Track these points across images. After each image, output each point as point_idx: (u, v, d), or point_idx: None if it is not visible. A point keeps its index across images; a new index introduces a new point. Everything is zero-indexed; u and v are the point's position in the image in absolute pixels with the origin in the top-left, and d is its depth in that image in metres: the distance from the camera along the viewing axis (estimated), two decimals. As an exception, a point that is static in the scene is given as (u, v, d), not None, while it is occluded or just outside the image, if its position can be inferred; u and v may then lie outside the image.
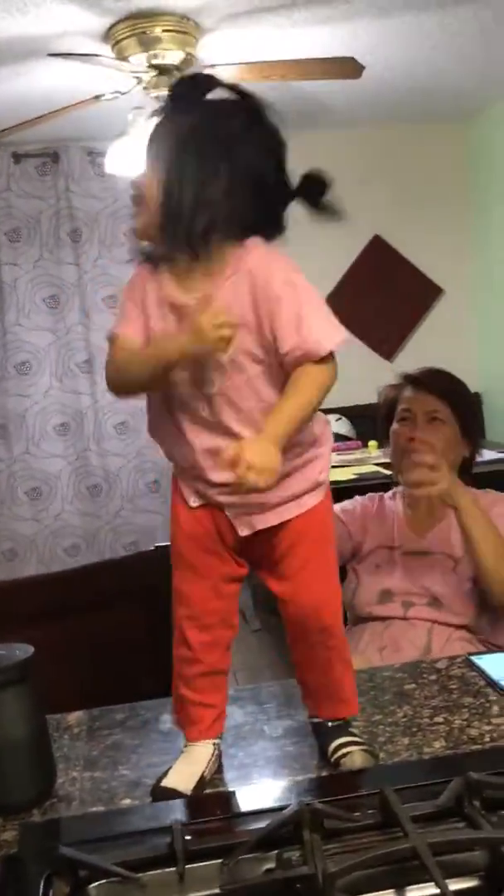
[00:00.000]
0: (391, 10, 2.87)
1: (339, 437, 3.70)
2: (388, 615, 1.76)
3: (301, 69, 2.75)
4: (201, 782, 1.12)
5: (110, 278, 4.24)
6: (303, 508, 1.13)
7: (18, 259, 4.18)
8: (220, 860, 0.92)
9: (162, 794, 1.10)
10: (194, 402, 1.08)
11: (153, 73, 2.81)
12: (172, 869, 0.90)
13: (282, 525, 1.13)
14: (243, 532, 1.13)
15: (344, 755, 1.13)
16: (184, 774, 1.12)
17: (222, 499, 1.11)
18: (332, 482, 3.24)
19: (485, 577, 1.66)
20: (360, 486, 2.70)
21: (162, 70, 2.81)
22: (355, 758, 1.13)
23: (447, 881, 0.87)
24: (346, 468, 3.28)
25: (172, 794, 1.09)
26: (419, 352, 4.47)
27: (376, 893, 0.89)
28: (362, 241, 4.41)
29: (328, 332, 1.03)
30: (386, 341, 4.48)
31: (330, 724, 1.18)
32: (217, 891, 0.88)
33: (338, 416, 3.92)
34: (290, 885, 0.89)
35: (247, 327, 1.03)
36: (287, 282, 1.05)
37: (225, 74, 2.83)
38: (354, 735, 1.17)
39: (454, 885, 0.90)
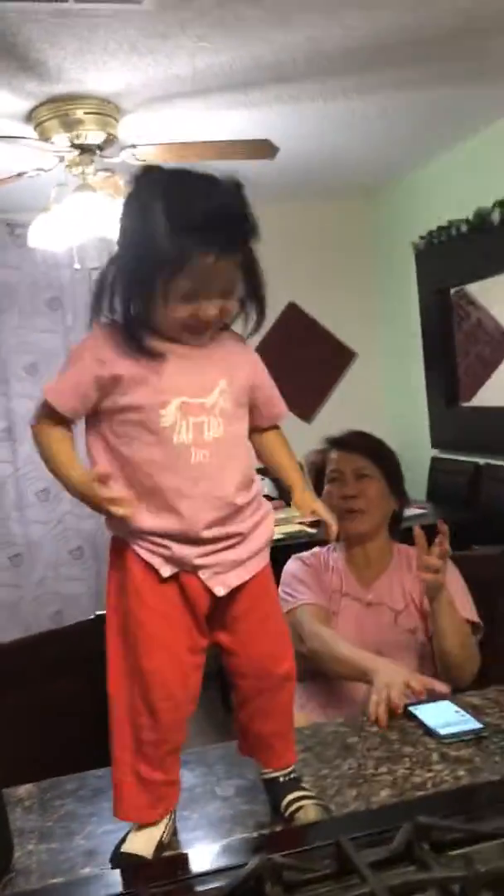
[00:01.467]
0: (301, 98, 3.06)
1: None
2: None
3: (218, 150, 2.89)
4: (160, 846, 1.14)
5: (29, 346, 4.26)
6: (263, 563, 1.19)
7: None
8: (187, 920, 0.94)
9: (123, 860, 1.11)
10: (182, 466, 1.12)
11: (75, 152, 2.91)
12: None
13: (246, 582, 1.17)
14: (219, 592, 1.14)
15: (297, 809, 1.18)
16: (143, 840, 1.13)
17: (200, 560, 1.13)
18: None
19: (448, 661, 1.76)
20: (289, 546, 2.75)
21: (84, 149, 2.91)
22: (308, 811, 1.17)
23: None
24: (278, 527, 3.34)
25: (133, 859, 1.11)
26: (336, 412, 4.62)
27: (339, 941, 0.93)
28: (278, 308, 4.57)
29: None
30: (304, 403, 4.62)
31: (282, 778, 1.22)
32: None
33: (261, 476, 3.99)
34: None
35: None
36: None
37: (144, 154, 2.96)
38: (306, 789, 1.21)
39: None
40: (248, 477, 1.17)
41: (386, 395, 4.73)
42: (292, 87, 2.93)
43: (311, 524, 1.25)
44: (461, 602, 1.78)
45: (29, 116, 2.90)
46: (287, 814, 1.18)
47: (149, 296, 1.08)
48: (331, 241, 4.64)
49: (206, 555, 1.13)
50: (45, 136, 2.91)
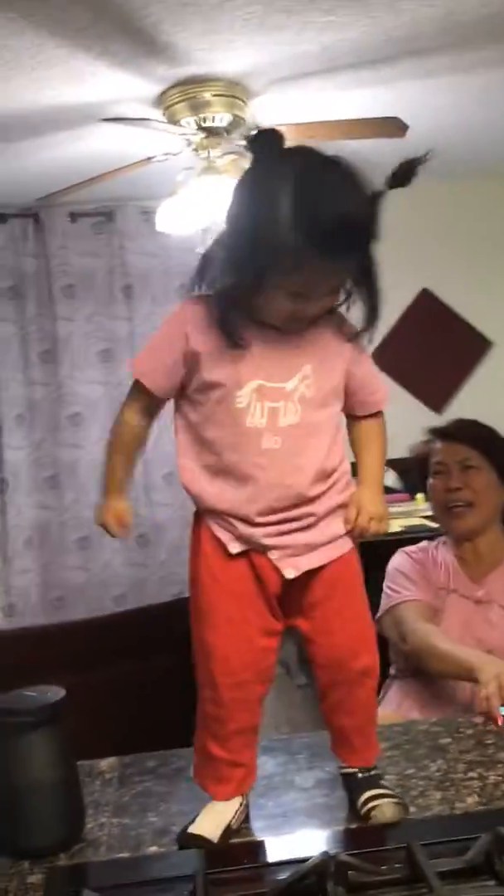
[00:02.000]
0: (436, 72, 2.93)
1: (386, 490, 3.68)
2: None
3: (345, 129, 2.82)
4: (228, 831, 1.11)
5: (161, 332, 4.33)
6: (341, 551, 1.15)
7: (73, 314, 4.29)
8: (241, 910, 0.91)
9: (188, 841, 1.09)
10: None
11: (202, 135, 2.91)
12: (193, 917, 0.89)
13: (321, 568, 1.13)
14: (289, 574, 1.12)
15: (373, 808, 1.12)
16: (211, 823, 1.11)
17: (269, 541, 1.11)
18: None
19: None
20: (406, 539, 2.66)
21: (211, 132, 2.91)
22: (385, 810, 1.11)
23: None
24: (392, 520, 3.25)
25: (199, 841, 1.09)
26: (469, 405, 4.44)
27: None
28: (410, 295, 4.44)
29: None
30: (435, 394, 4.46)
31: (360, 775, 1.17)
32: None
33: (385, 468, 3.90)
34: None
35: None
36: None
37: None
38: (385, 787, 1.16)
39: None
40: (328, 468, 1.13)
41: (526, 387, 4.51)
42: (425, 61, 2.81)
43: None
44: None
45: (158, 100, 2.92)
46: (363, 812, 1.13)
47: (254, 283, 1.04)
48: (468, 223, 4.44)
49: (275, 535, 1.11)
50: (173, 120, 2.92)
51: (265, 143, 1.07)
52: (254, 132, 1.10)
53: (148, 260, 4.33)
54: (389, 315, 4.57)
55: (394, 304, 4.48)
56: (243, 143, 1.12)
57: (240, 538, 1.11)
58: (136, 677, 1.56)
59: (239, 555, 1.11)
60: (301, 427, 1.10)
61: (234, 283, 1.05)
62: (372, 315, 1.13)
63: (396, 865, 0.97)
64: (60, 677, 1.51)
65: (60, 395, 4.31)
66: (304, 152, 1.07)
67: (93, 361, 4.33)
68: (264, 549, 1.11)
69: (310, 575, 1.13)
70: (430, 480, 1.83)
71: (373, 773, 1.18)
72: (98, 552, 4.39)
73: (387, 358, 4.51)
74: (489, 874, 0.95)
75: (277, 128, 1.10)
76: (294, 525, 1.11)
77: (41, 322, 4.29)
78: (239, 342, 1.07)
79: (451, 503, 1.76)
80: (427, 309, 4.44)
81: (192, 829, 1.11)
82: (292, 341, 1.11)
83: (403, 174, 1.08)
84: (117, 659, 1.60)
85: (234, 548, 1.11)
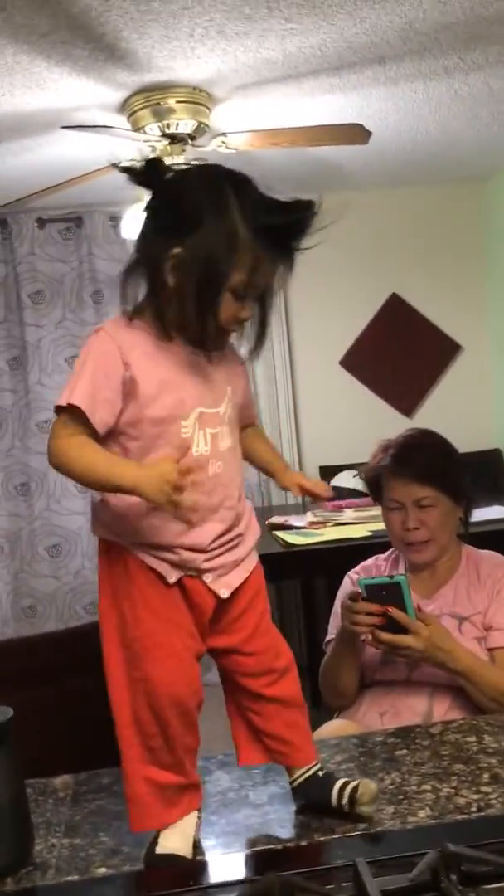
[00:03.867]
0: (398, 79, 2.94)
1: (355, 494, 3.69)
2: (391, 678, 1.73)
3: (309, 135, 2.82)
4: (196, 845, 1.11)
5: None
6: (254, 561, 1.19)
7: (41, 320, 4.27)
8: (184, 934, 0.90)
9: (160, 861, 1.07)
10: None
11: (166, 141, 2.90)
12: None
13: (244, 581, 1.16)
14: (224, 594, 1.14)
15: (355, 788, 1.13)
16: (177, 839, 1.10)
17: (207, 564, 1.11)
18: (347, 539, 3.16)
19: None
20: (374, 544, 2.66)
21: (174, 139, 2.90)
22: (365, 791, 1.12)
23: None
24: (360, 525, 3.25)
25: (172, 859, 1.07)
26: (438, 408, 4.46)
27: None
28: (380, 300, 4.45)
29: None
30: (405, 398, 4.48)
31: (321, 772, 1.18)
32: None
33: (354, 472, 3.90)
34: None
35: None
36: None
37: (235, 142, 2.93)
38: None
39: None
40: (243, 480, 1.18)
41: (495, 390, 4.53)
42: (387, 68, 2.82)
43: (310, 497, 1.26)
44: None
45: (122, 107, 2.91)
46: (345, 801, 1.13)
47: (214, 287, 1.04)
48: (436, 228, 4.46)
49: (212, 559, 1.12)
50: (137, 126, 2.91)
51: (154, 170, 1.10)
52: (134, 164, 1.10)
53: (117, 266, 4.30)
54: (359, 320, 4.59)
55: (363, 309, 4.50)
56: (137, 173, 1.10)
57: (177, 566, 1.09)
58: (89, 692, 1.54)
59: (173, 583, 1.09)
60: (233, 448, 1.14)
61: (201, 290, 1.04)
62: (263, 333, 1.14)
63: (344, 884, 0.97)
64: (8, 694, 1.50)
65: (29, 402, 4.28)
66: (215, 166, 1.11)
67: (62, 367, 4.31)
68: (199, 573, 1.11)
69: (234, 591, 1.14)
70: (386, 513, 1.82)
71: (327, 770, 1.19)
72: (69, 560, 4.36)
73: (356, 363, 4.53)
74: (435, 891, 0.95)
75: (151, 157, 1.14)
76: (228, 546, 1.13)
77: (9, 328, 4.27)
78: (179, 364, 1.07)
79: (409, 540, 1.77)
80: (396, 313, 4.45)
81: (161, 849, 1.08)
82: (214, 365, 1.13)
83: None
84: (68, 675, 1.57)
85: (173, 577, 1.09)
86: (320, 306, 4.35)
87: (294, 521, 3.50)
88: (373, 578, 1.68)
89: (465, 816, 1.14)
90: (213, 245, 1.03)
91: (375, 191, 4.35)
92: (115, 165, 1.12)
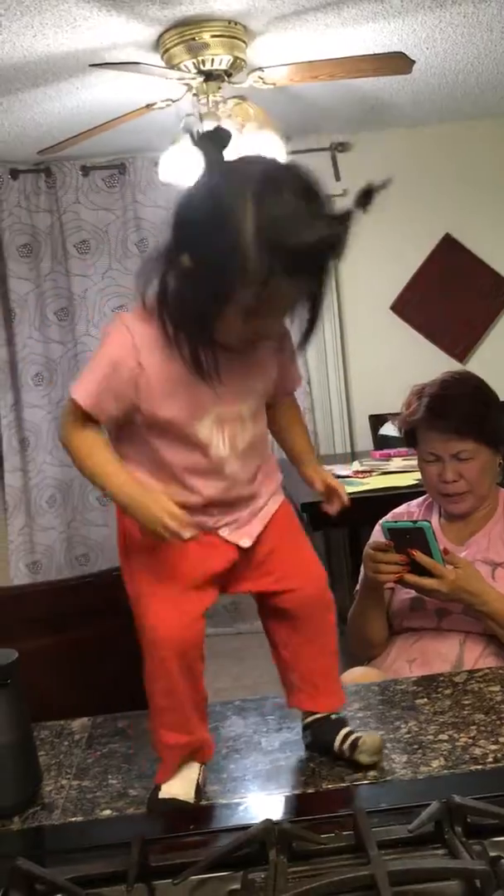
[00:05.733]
0: (445, 2, 2.78)
1: (389, 442, 3.61)
2: (420, 626, 1.69)
3: (349, 66, 2.69)
4: (198, 790, 1.10)
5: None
6: (277, 503, 1.16)
7: (87, 270, 4.25)
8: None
9: (162, 805, 1.08)
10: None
11: (201, 78, 2.81)
12: (121, 887, 0.87)
13: (267, 524, 1.14)
14: (246, 543, 1.13)
15: (356, 739, 1.11)
16: (180, 784, 1.10)
17: (219, 522, 1.11)
18: (393, 488, 3.10)
19: None
20: (421, 492, 2.60)
21: (210, 76, 2.81)
22: (369, 741, 1.11)
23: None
24: (407, 474, 3.18)
25: (175, 803, 1.07)
26: (493, 353, 4.31)
27: (334, 921, 0.84)
28: (432, 241, 4.29)
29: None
30: (458, 343, 4.34)
31: (333, 717, 1.17)
32: (162, 911, 0.85)
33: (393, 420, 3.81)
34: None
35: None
36: None
37: (272, 77, 2.82)
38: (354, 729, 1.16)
39: (426, 916, 0.84)
40: (267, 445, 1.16)
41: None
42: (433, -10, 2.67)
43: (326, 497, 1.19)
44: None
45: (156, 44, 2.82)
46: (346, 746, 1.12)
47: (216, 307, 0.97)
48: (490, 164, 4.25)
49: (223, 517, 1.12)
50: (172, 64, 2.82)
51: (214, 144, 1.00)
52: (201, 131, 1.02)
53: (162, 213, 4.24)
54: (411, 262, 4.45)
55: (415, 250, 4.35)
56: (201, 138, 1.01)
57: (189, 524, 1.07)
58: (103, 638, 1.54)
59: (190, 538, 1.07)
60: (253, 441, 1.11)
61: (199, 306, 0.97)
62: (311, 329, 1.06)
63: (344, 833, 0.94)
64: (36, 637, 1.50)
65: (77, 354, 4.28)
66: (258, 162, 0.99)
67: (109, 318, 4.29)
68: (213, 529, 1.11)
69: (259, 534, 1.13)
70: (423, 465, 1.74)
71: (342, 715, 1.18)
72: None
73: (408, 306, 4.40)
74: (439, 843, 0.92)
75: (224, 127, 1.03)
76: (240, 507, 1.13)
77: (56, 279, 4.26)
78: (210, 374, 1.01)
79: (446, 492, 1.70)
80: (450, 255, 4.29)
81: (164, 793, 1.09)
82: (243, 361, 1.06)
83: (364, 199, 0.99)
84: (93, 618, 1.57)
85: (187, 533, 1.05)
86: (369, 249, 4.21)
87: (339, 470, 3.45)
88: (396, 522, 1.63)
89: (479, 767, 1.10)
90: (215, 262, 0.94)
91: (425, 127, 4.17)
92: (188, 133, 1.03)
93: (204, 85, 2.83)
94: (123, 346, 1.02)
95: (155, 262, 1.00)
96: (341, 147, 4.22)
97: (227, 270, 0.93)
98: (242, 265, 0.92)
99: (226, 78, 2.86)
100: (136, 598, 1.10)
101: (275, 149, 2.89)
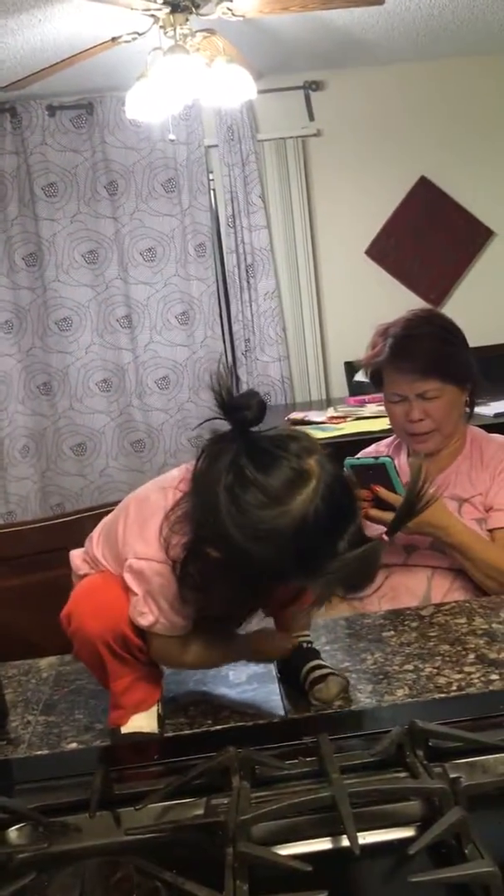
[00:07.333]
0: None
1: (360, 388, 3.60)
2: (389, 562, 1.69)
3: (321, -3, 2.61)
4: (161, 719, 1.11)
5: (147, 231, 4.19)
6: None
7: (56, 214, 4.16)
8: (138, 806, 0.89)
9: (125, 738, 1.08)
10: None
11: (167, 9, 2.71)
12: (85, 815, 0.87)
13: None
14: None
15: (319, 679, 1.12)
16: (142, 717, 1.10)
17: None
18: (366, 433, 3.10)
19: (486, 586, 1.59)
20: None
21: (177, 7, 2.71)
22: (330, 687, 1.12)
23: (385, 830, 0.83)
24: (380, 419, 3.18)
25: (141, 736, 1.08)
26: (468, 297, 4.29)
27: (296, 843, 0.85)
28: (408, 183, 4.23)
29: None
30: (434, 288, 4.31)
31: (305, 645, 1.18)
32: (123, 837, 0.85)
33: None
34: (207, 831, 0.86)
35: None
36: None
37: (241, 8, 2.73)
38: (324, 663, 1.16)
39: (389, 834, 0.85)
40: None
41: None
42: None
43: None
44: None
45: (121, -27, 2.72)
46: (308, 681, 1.13)
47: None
48: (467, 105, 4.18)
49: None
50: (138, -5, 2.72)
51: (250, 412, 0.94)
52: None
53: (131, 155, 4.15)
54: (385, 206, 4.39)
55: (390, 194, 4.29)
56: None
57: None
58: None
59: None
60: None
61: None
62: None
63: (308, 759, 0.94)
64: (4, 578, 1.49)
65: (47, 300, 4.21)
66: (228, 443, 0.94)
67: (79, 263, 4.22)
68: None
69: None
70: (388, 405, 1.72)
71: (313, 645, 1.19)
72: (94, 458, 4.38)
73: (382, 250, 4.35)
74: (401, 767, 0.92)
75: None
76: None
77: (24, 223, 4.16)
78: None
79: (413, 431, 1.68)
80: (425, 198, 4.24)
81: (128, 728, 1.09)
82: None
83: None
84: (62, 560, 1.56)
85: None
86: (344, 192, 4.16)
87: (314, 416, 3.44)
88: (358, 458, 1.62)
89: (443, 695, 1.10)
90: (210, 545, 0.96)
91: (400, 65, 4.08)
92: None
93: (170, 17, 2.74)
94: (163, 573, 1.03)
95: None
96: (314, 86, 4.13)
97: (259, 569, 0.93)
98: (277, 568, 0.93)
99: (193, 9, 2.76)
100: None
101: (245, 85, 2.81)
